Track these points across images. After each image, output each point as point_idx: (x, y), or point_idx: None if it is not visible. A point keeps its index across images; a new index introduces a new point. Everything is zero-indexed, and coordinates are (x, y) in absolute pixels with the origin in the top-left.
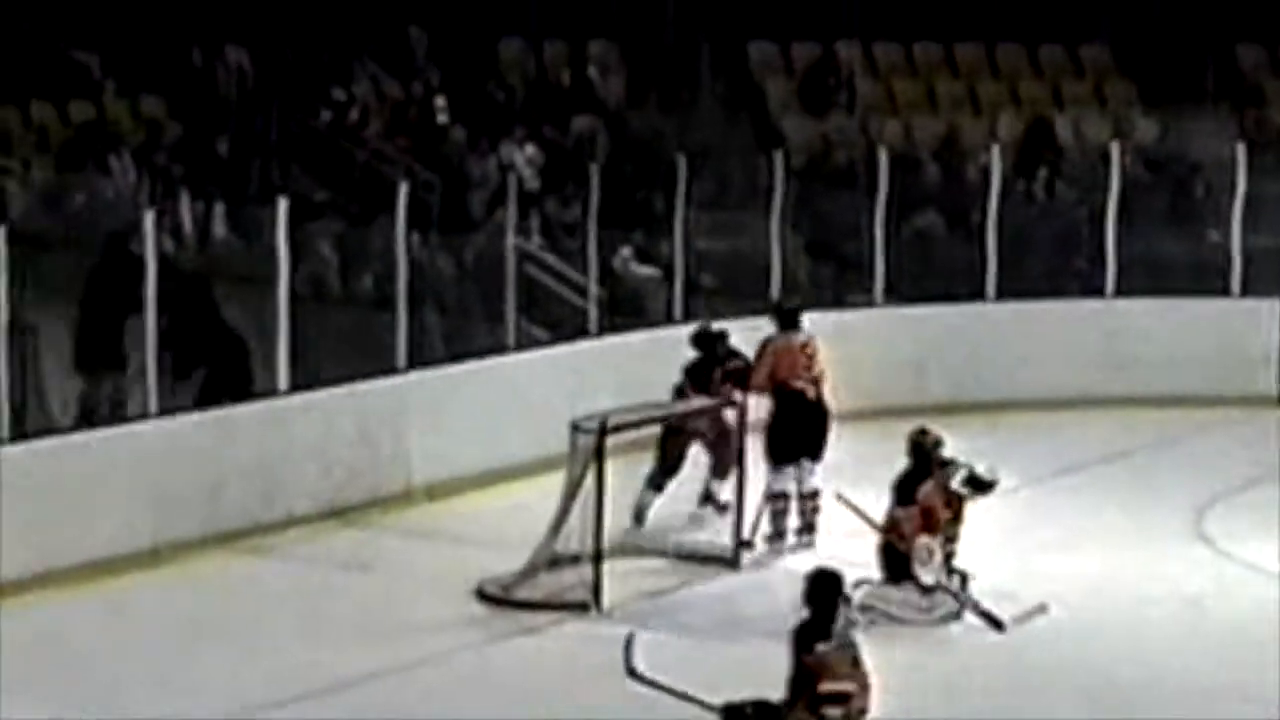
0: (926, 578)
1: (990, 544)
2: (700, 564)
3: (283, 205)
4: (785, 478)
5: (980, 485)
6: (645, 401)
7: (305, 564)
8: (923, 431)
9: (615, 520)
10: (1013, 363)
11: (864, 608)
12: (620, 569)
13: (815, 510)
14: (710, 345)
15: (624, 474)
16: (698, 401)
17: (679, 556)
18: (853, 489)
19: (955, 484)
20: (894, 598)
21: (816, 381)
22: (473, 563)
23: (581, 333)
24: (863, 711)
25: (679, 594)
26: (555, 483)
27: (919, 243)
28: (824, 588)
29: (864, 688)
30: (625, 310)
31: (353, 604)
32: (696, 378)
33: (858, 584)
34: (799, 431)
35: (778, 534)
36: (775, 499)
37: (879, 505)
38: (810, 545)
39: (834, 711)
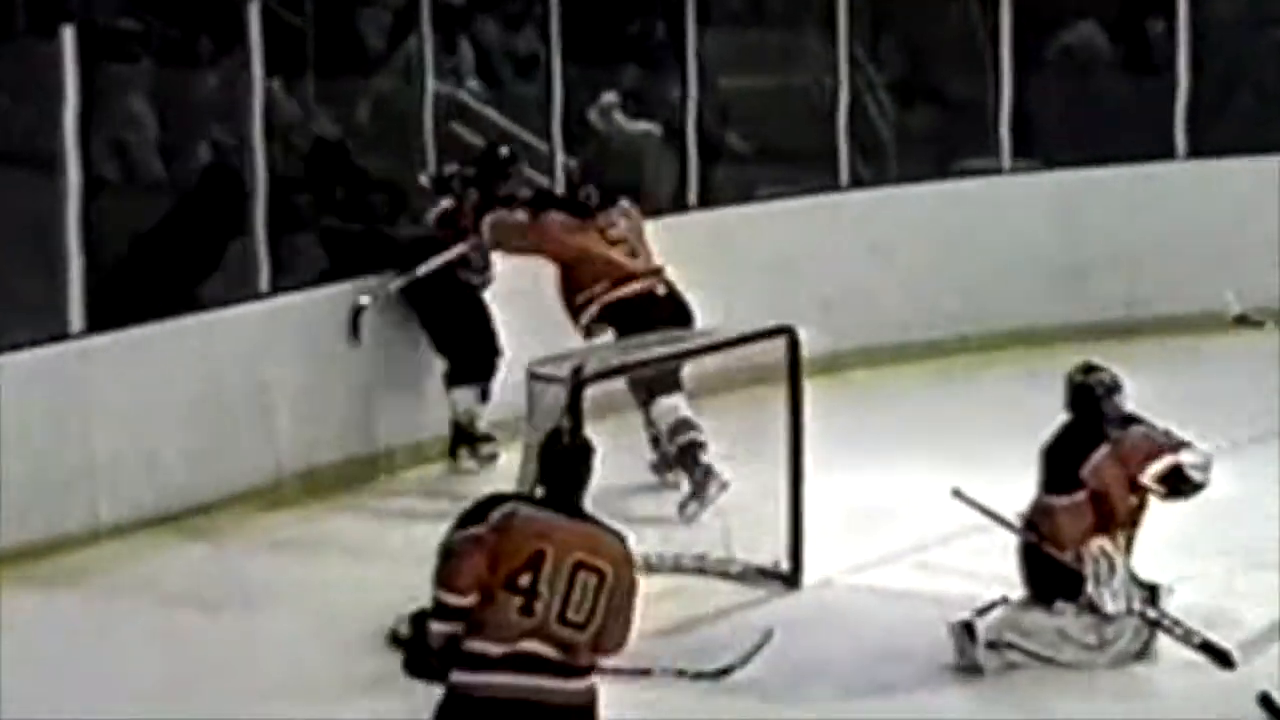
0: (1110, 604)
1: (1178, 543)
2: (740, 581)
3: (68, 38)
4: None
5: (1182, 484)
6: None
7: (123, 597)
8: (1088, 369)
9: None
10: (1219, 255)
11: (994, 645)
12: None
13: (695, 447)
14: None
15: (611, 444)
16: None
17: (712, 573)
18: (975, 468)
19: (1147, 477)
20: (1042, 628)
21: (659, 272)
22: (383, 588)
23: None
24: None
25: (715, 628)
26: (504, 462)
27: (1067, 72)
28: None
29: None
30: (609, 188)
31: (204, 661)
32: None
33: (985, 609)
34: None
35: None
36: None
37: (1015, 491)
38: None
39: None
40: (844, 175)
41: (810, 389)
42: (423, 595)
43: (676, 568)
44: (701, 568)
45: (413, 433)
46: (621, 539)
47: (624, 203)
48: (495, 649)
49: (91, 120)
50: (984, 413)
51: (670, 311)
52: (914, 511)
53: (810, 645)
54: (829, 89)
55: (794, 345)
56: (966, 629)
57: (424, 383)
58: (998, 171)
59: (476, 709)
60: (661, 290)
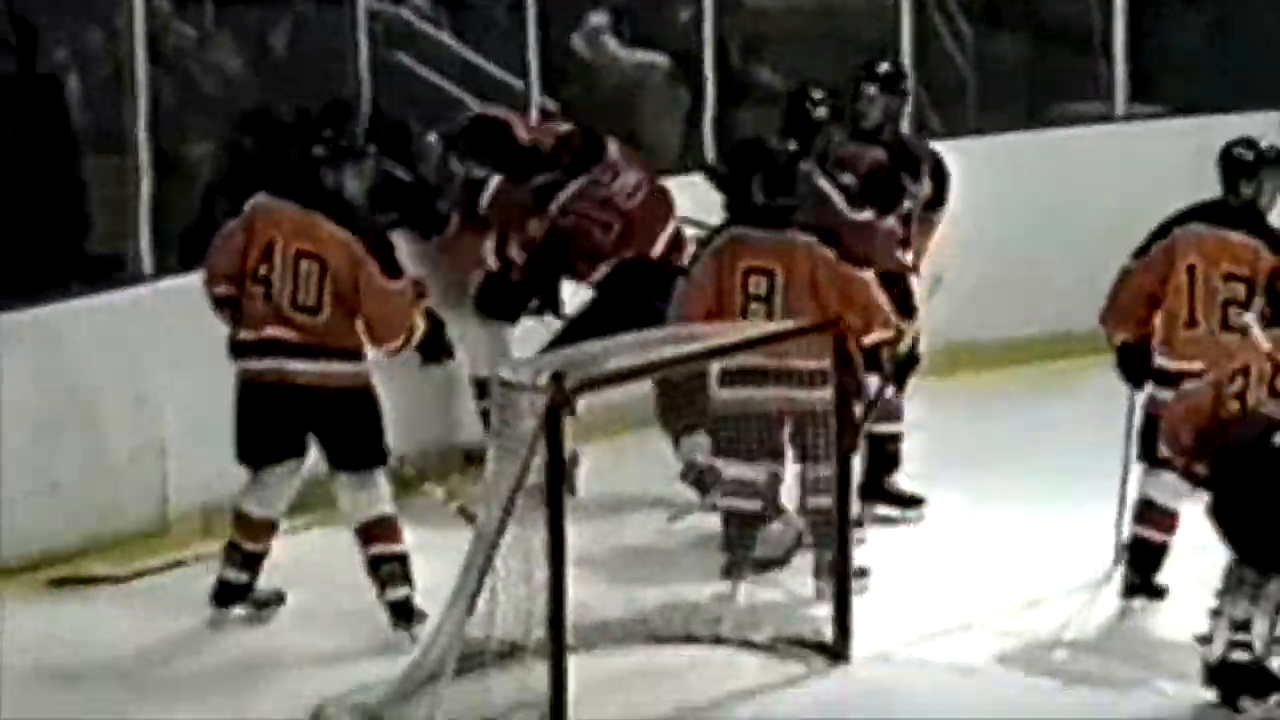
0: None
1: None
2: (773, 654)
3: None
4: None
5: None
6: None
7: None
8: None
9: (595, 566)
10: None
11: None
12: (605, 669)
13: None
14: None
15: (607, 471)
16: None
17: (733, 643)
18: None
19: None
20: None
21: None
22: (304, 664)
23: None
24: None
25: (734, 717)
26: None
27: None
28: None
29: None
30: (593, 143)
31: None
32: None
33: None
34: None
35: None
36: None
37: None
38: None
39: None
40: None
41: None
42: (346, 676)
43: (688, 636)
44: (719, 636)
45: None
46: (347, 228)
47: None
48: (250, 335)
49: None
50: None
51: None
52: (1000, 558)
53: None
54: (889, 9)
55: (840, 342)
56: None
57: None
58: (1109, 118)
59: (248, 391)
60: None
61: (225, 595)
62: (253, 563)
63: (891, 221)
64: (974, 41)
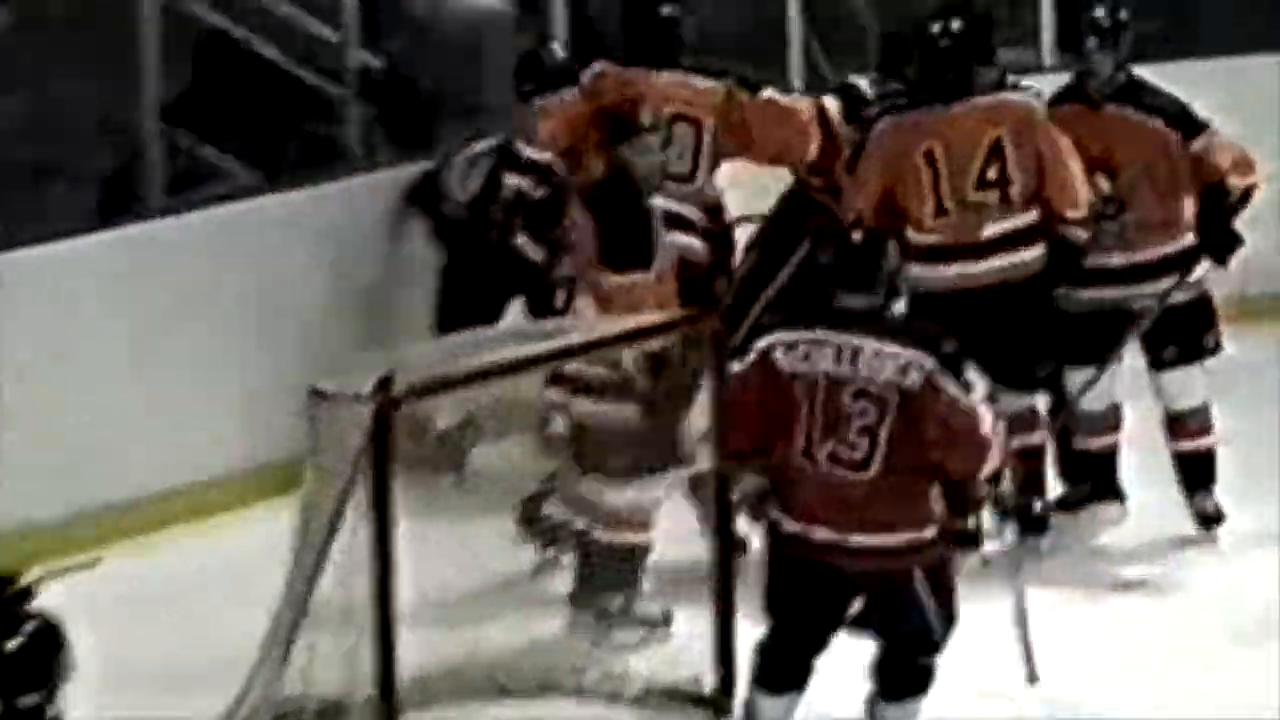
0: None
1: None
2: (645, 707)
3: None
4: None
5: None
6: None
7: None
8: None
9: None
10: None
11: None
12: None
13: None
14: None
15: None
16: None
17: (598, 697)
18: None
19: None
20: None
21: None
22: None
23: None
24: None
25: None
26: (270, 531)
27: None
28: None
29: None
30: (431, 98)
31: None
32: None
33: None
34: None
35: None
36: None
37: None
38: None
39: None
40: (796, 76)
41: None
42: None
43: (544, 687)
44: (581, 687)
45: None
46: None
47: None
48: None
49: None
50: None
51: None
52: None
53: None
54: None
55: (718, 336)
56: None
57: None
58: (1037, 69)
59: None
60: None
61: None
62: None
63: None
64: None
